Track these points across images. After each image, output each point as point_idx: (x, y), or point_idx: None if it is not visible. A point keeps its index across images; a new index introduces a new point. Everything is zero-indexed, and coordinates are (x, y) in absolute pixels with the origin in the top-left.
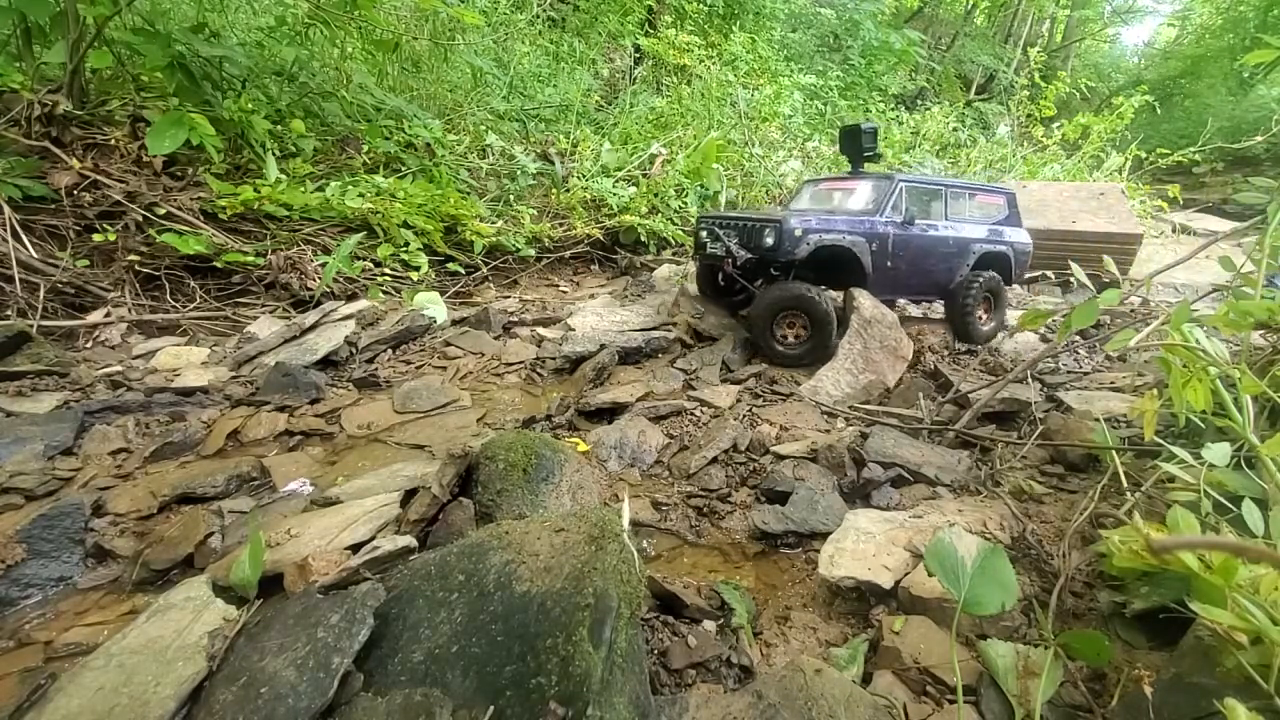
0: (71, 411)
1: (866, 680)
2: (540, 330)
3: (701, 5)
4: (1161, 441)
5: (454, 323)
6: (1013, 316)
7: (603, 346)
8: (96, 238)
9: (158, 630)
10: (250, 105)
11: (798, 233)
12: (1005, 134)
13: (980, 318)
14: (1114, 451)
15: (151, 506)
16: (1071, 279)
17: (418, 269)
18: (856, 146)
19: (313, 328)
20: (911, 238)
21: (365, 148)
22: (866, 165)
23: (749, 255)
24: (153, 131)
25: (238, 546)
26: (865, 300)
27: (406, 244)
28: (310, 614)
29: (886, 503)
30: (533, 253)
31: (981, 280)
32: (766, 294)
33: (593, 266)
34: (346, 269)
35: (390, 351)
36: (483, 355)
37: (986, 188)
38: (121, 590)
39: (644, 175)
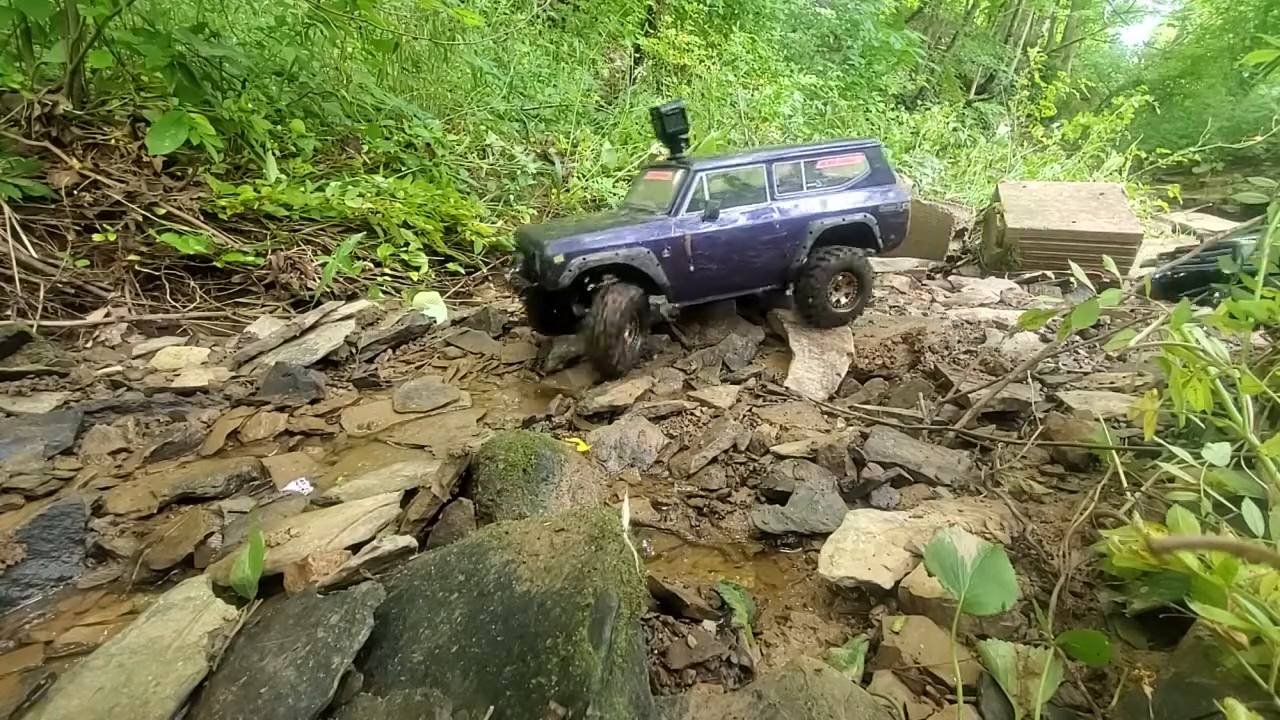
0: (71, 411)
1: (866, 680)
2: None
3: (701, 5)
4: (1161, 441)
5: (454, 323)
6: (1011, 318)
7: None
8: (96, 238)
9: (158, 630)
10: (250, 105)
11: (558, 260)
12: (1005, 134)
13: (836, 300)
14: (1114, 451)
15: (151, 506)
16: (1071, 279)
17: (418, 269)
18: (665, 131)
19: (313, 328)
20: (719, 233)
21: (365, 148)
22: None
23: (531, 284)
24: (153, 131)
25: (238, 546)
26: (785, 313)
27: (406, 244)
28: (310, 614)
29: (886, 503)
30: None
31: (829, 260)
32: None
33: None
34: (346, 269)
35: (390, 351)
36: (483, 355)
37: (836, 147)
38: (121, 590)
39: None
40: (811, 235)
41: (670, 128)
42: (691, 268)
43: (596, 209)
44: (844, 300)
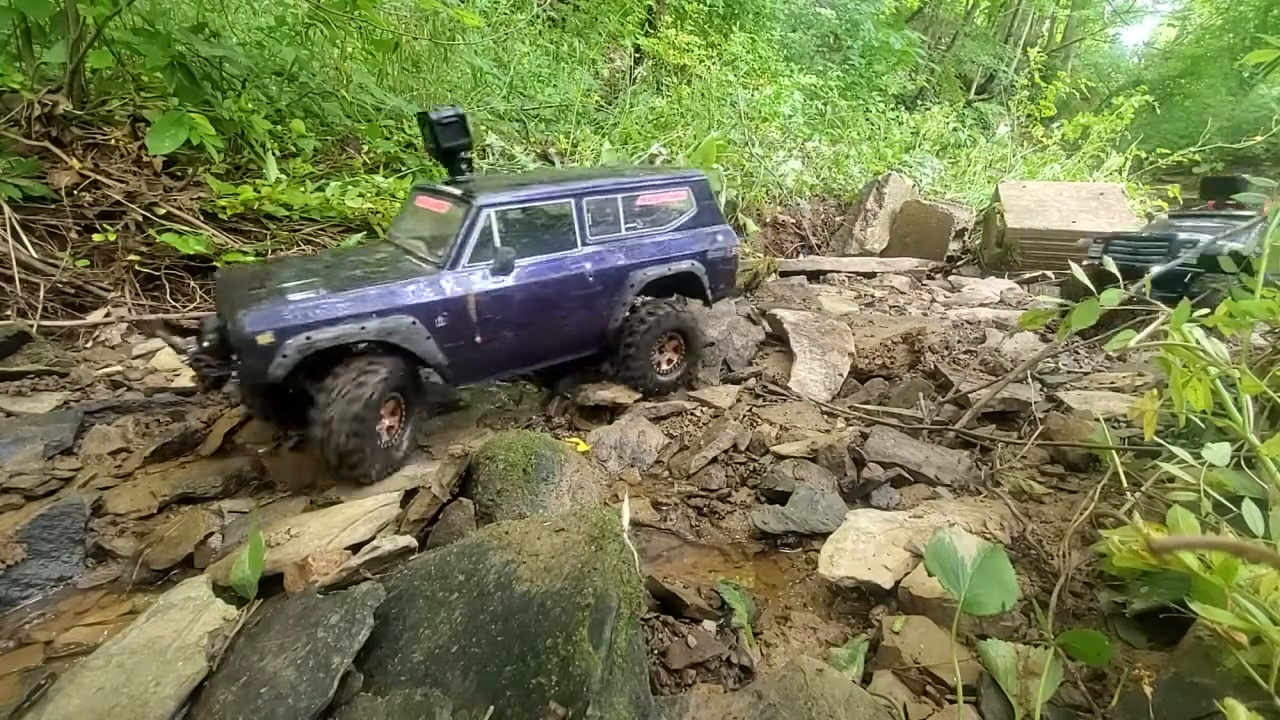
0: (71, 411)
1: (866, 680)
2: None
3: (701, 5)
4: (1161, 441)
5: None
6: (1011, 318)
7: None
8: (96, 238)
9: (158, 630)
10: (250, 105)
11: (263, 340)
12: (1005, 134)
13: (659, 365)
14: (1114, 451)
15: (151, 506)
16: (1072, 279)
17: None
18: (439, 145)
19: None
20: (516, 290)
21: (365, 148)
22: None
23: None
24: (153, 131)
25: (238, 546)
26: (785, 314)
27: None
28: (310, 614)
29: (886, 503)
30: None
31: (655, 318)
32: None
33: None
34: None
35: None
36: None
37: (659, 180)
38: (121, 590)
39: None
40: (633, 289)
41: (445, 140)
42: (479, 338)
43: None
44: (668, 365)
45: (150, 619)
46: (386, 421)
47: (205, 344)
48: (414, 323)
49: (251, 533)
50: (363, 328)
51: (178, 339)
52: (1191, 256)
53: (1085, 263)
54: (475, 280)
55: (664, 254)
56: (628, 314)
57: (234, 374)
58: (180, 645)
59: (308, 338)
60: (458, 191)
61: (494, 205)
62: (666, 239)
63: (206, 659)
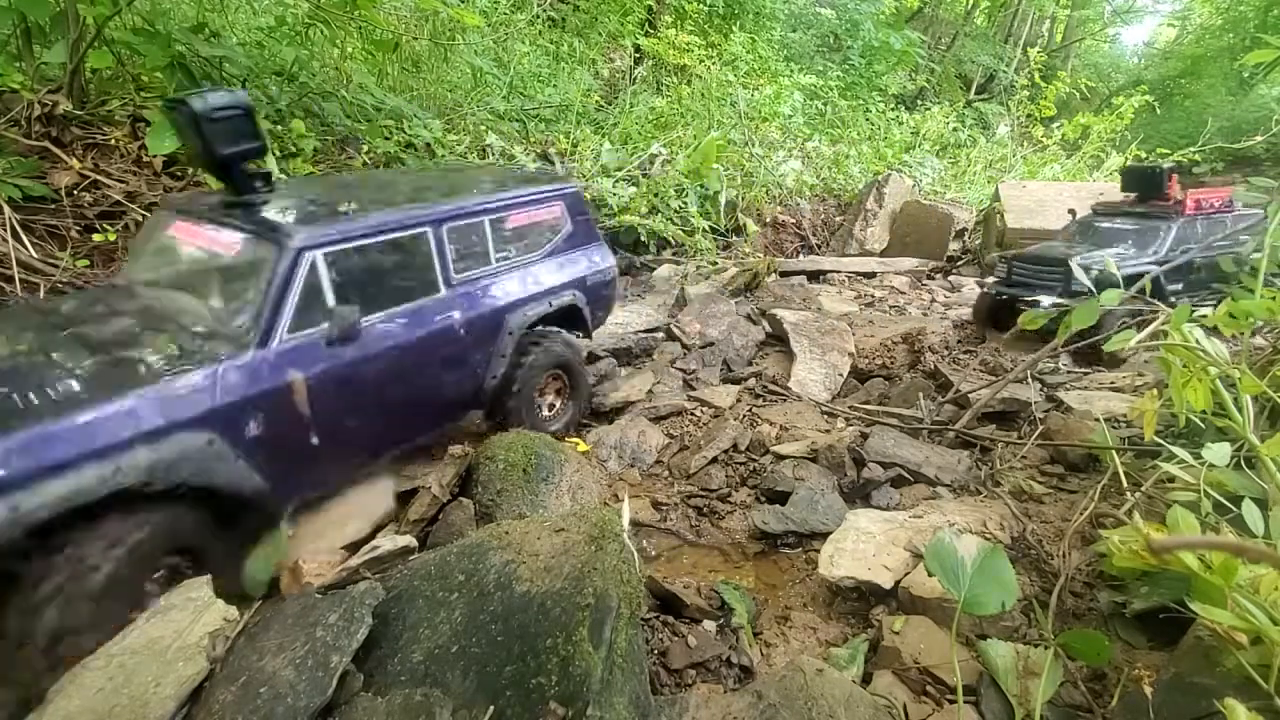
0: None
1: (866, 680)
2: None
3: (701, 5)
4: (1161, 441)
5: None
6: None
7: (591, 354)
8: (96, 238)
9: (158, 631)
10: None
11: None
12: (1005, 134)
13: (540, 410)
14: (1114, 451)
15: None
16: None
17: None
18: (209, 147)
19: None
20: (364, 363)
21: (365, 148)
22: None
23: None
24: (153, 131)
25: None
26: (785, 314)
27: None
28: (309, 613)
29: (886, 503)
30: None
31: (534, 361)
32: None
33: None
34: None
35: None
36: None
37: (528, 195)
38: None
39: (644, 175)
40: (512, 336)
41: (221, 143)
42: (315, 439)
43: (597, 209)
44: (550, 410)
45: (150, 619)
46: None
47: None
48: (209, 441)
49: (275, 533)
50: (118, 469)
51: None
52: (1084, 283)
53: (982, 291)
54: (304, 356)
55: (543, 287)
56: (507, 367)
57: None
58: (181, 645)
59: (13, 509)
60: (253, 223)
61: (320, 245)
62: (542, 266)
63: (207, 660)
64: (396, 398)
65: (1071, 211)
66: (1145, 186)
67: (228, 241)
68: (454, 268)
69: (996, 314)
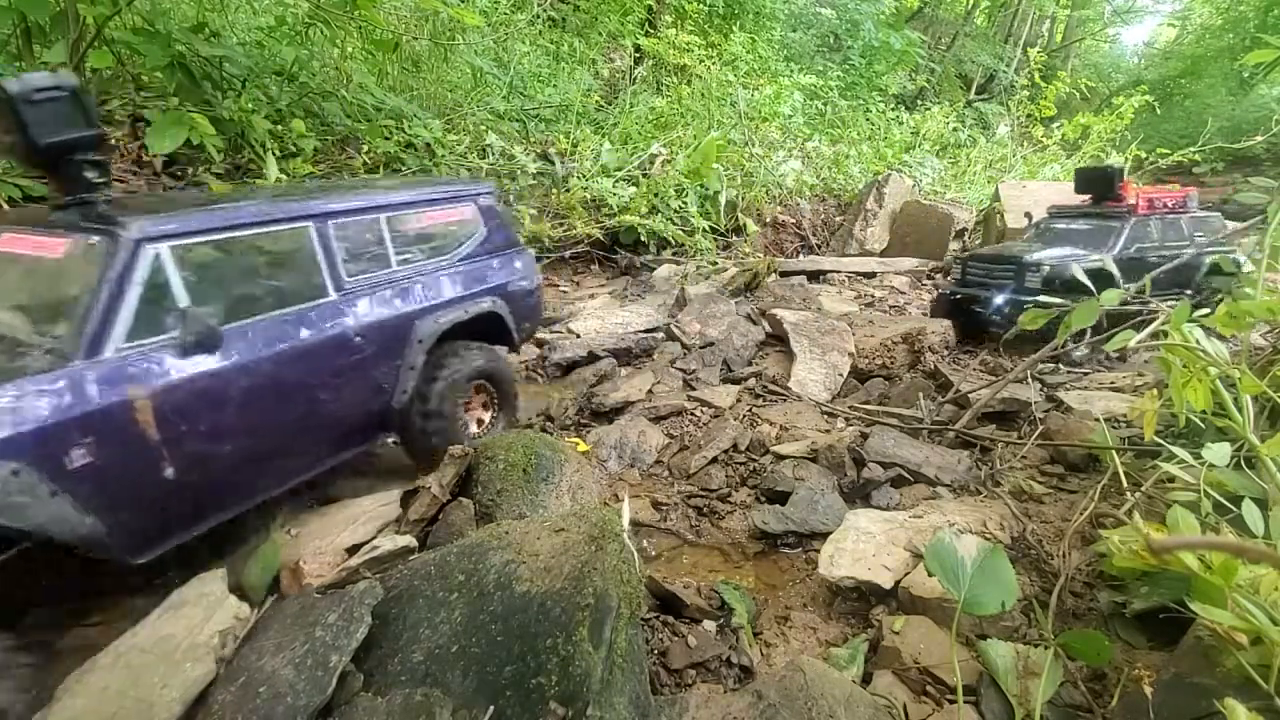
0: None
1: (866, 680)
2: (541, 330)
3: (701, 5)
4: (1161, 441)
5: None
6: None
7: (591, 354)
8: None
9: (170, 627)
10: (250, 105)
11: None
12: (1005, 134)
13: (468, 427)
14: (1114, 451)
15: None
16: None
17: None
18: (30, 138)
19: None
20: (231, 374)
21: (365, 148)
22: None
23: None
24: (153, 131)
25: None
26: (785, 314)
27: None
28: (308, 613)
29: (886, 503)
30: (532, 252)
31: (452, 374)
32: None
33: (593, 266)
34: None
35: None
36: None
37: (433, 194)
38: (122, 590)
39: (644, 175)
40: (421, 345)
41: (43, 131)
42: (170, 469)
43: (597, 209)
44: (478, 426)
45: (163, 615)
46: None
47: None
48: (15, 472)
49: (269, 535)
50: None
51: None
52: (1037, 280)
53: (939, 292)
54: (149, 368)
55: (456, 293)
56: (418, 380)
57: None
58: (191, 644)
59: None
60: (82, 219)
61: (165, 237)
62: (452, 272)
63: (216, 661)
64: (280, 418)
65: (1028, 215)
66: (1098, 188)
67: (53, 244)
68: (345, 270)
69: (952, 313)
